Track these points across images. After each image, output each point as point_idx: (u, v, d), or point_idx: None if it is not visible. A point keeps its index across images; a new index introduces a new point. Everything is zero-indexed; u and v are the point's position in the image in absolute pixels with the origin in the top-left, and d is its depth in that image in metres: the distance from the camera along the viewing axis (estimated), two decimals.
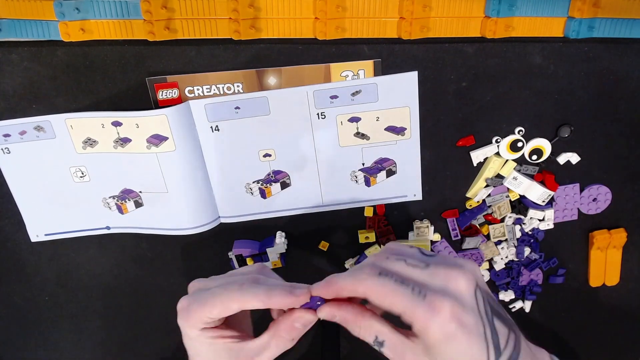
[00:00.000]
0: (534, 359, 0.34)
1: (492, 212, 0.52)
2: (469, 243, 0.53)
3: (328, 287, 0.34)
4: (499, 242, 0.54)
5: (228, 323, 0.39)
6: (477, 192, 0.50)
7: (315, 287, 0.35)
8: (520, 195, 0.52)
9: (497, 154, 0.49)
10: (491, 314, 0.32)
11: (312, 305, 0.35)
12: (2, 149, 0.46)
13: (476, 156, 0.49)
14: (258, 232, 0.52)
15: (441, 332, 0.30)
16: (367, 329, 0.34)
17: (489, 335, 0.31)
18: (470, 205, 0.52)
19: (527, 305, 0.58)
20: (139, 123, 0.44)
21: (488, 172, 0.49)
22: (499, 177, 0.50)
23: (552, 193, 0.51)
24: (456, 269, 0.32)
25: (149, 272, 0.53)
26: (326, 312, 0.35)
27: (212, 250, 0.52)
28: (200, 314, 0.36)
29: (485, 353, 0.31)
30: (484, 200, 0.52)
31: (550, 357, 0.37)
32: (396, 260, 0.33)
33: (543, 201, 0.51)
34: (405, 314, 0.31)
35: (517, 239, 0.54)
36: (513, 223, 0.53)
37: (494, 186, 0.50)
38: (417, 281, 0.32)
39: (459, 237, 0.53)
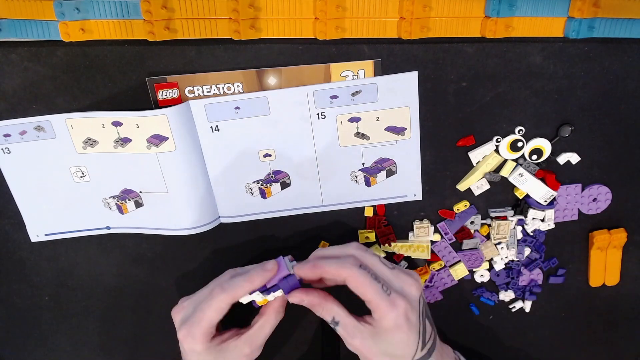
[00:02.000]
0: (442, 352, 0.45)
1: (491, 229, 0.52)
2: (468, 244, 0.53)
3: (314, 269, 0.41)
4: (498, 242, 0.54)
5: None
6: (468, 185, 0.50)
7: (301, 267, 0.42)
8: (524, 194, 0.52)
9: (496, 150, 0.49)
10: (424, 316, 0.42)
11: (291, 281, 0.43)
12: (2, 149, 0.46)
13: (475, 156, 0.50)
14: (258, 232, 0.52)
15: (394, 322, 0.39)
16: (328, 311, 0.42)
17: (421, 331, 0.41)
18: (458, 209, 0.52)
19: (527, 305, 0.58)
20: (139, 123, 0.44)
21: (486, 166, 0.49)
22: (497, 172, 0.50)
23: (554, 193, 0.51)
24: (411, 277, 0.42)
25: (149, 272, 0.53)
26: (297, 297, 0.43)
27: (212, 250, 0.52)
28: (201, 327, 0.43)
29: (416, 343, 0.41)
30: (472, 205, 0.52)
31: (454, 352, 0.48)
32: (374, 255, 0.42)
33: (545, 201, 0.51)
34: (371, 303, 0.40)
35: (518, 240, 0.54)
36: (515, 225, 0.53)
37: (493, 181, 0.50)
38: (385, 279, 0.41)
39: (454, 239, 0.53)
